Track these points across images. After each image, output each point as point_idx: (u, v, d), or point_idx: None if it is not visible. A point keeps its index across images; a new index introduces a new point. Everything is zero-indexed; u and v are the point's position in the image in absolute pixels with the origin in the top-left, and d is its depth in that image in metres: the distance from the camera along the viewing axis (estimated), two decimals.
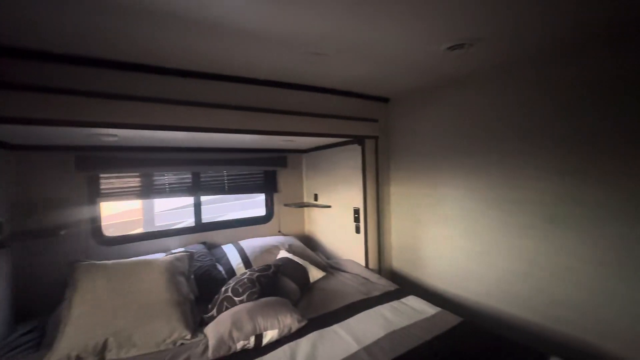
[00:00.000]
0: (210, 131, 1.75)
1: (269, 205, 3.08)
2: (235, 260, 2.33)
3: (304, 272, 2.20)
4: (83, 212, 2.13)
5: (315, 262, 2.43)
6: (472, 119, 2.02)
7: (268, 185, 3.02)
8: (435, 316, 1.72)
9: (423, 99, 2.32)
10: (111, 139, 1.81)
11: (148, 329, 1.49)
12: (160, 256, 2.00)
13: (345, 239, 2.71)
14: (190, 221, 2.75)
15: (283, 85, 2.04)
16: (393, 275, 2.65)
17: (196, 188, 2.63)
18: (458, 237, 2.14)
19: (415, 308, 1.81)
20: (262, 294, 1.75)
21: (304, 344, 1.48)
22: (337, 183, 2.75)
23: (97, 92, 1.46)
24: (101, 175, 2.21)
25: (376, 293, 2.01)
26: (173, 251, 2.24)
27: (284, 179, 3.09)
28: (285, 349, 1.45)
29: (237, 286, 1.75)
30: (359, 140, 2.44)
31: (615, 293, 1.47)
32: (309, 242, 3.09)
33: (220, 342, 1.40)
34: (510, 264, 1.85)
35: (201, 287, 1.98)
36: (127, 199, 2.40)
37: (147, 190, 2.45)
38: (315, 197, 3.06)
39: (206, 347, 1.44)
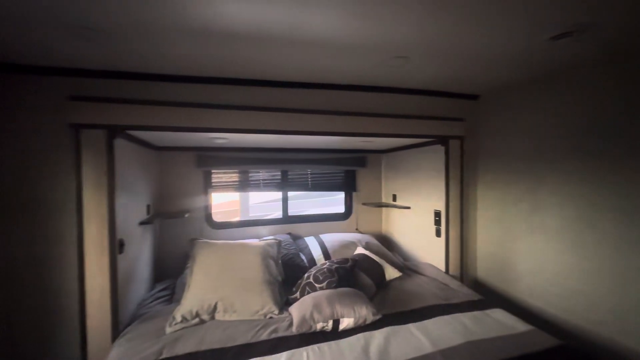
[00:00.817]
0: (299, 133, 1.98)
1: (348, 203, 3.22)
2: (316, 251, 2.53)
3: (380, 270, 2.25)
4: (199, 201, 2.64)
5: (391, 262, 2.45)
6: (577, 117, 1.75)
7: (347, 184, 3.16)
8: (526, 334, 1.57)
9: (520, 95, 2.10)
10: (222, 141, 2.21)
11: (245, 299, 1.78)
12: (254, 241, 2.34)
13: (424, 241, 2.65)
14: (277, 214, 3.10)
15: (364, 88, 2.13)
16: (477, 285, 2.47)
17: (284, 184, 2.95)
18: (561, 250, 1.87)
19: (501, 322, 1.68)
20: (339, 284, 1.89)
21: (377, 336, 1.55)
22: (417, 184, 2.70)
23: (211, 104, 1.83)
24: (213, 171, 2.70)
25: (456, 300, 1.93)
26: (264, 238, 2.58)
27: (363, 178, 3.19)
28: (359, 337, 1.54)
29: (318, 274, 1.93)
30: (442, 140, 2.35)
31: None
32: (386, 242, 3.11)
33: (303, 320, 1.59)
34: (630, 287, 1.54)
35: (286, 272, 2.23)
36: (230, 191, 2.88)
37: (245, 184, 2.88)
38: (394, 198, 3.06)
39: (291, 323, 1.65)
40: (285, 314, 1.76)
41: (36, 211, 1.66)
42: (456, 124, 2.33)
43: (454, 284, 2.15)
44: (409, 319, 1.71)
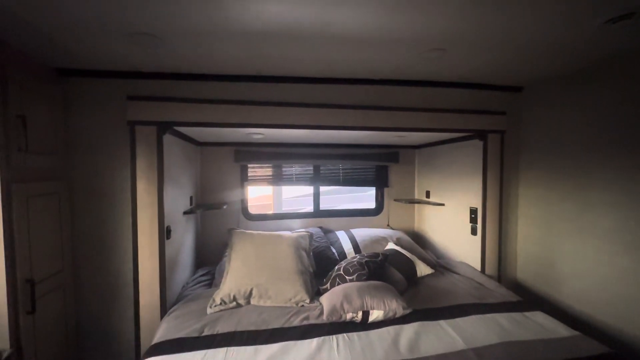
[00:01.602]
0: (334, 128, 2.02)
1: (379, 199, 3.20)
2: (346, 245, 2.57)
3: (412, 266, 2.23)
4: (236, 193, 2.79)
5: (423, 258, 2.41)
6: (630, 109, 1.60)
7: (379, 180, 3.15)
8: (570, 339, 1.48)
9: (568, 86, 1.95)
10: (258, 136, 2.32)
11: (279, 287, 1.87)
12: (287, 233, 2.43)
13: (458, 239, 2.57)
14: (309, 208, 3.17)
15: (399, 82, 2.11)
16: (516, 287, 2.35)
17: (316, 179, 3.01)
18: (614, 252, 1.72)
19: (542, 325, 1.60)
20: (369, 278, 1.91)
21: (407, 330, 1.55)
22: (452, 180, 2.62)
23: (249, 100, 1.93)
24: (249, 165, 2.83)
25: (492, 300, 1.86)
26: (296, 230, 2.66)
27: (395, 174, 3.15)
28: (389, 329, 1.56)
29: (348, 266, 1.96)
30: (480, 135, 2.25)
31: None
32: (418, 239, 3.05)
33: (333, 309, 1.64)
34: None
35: (317, 264, 2.30)
36: (265, 184, 3.00)
37: (279, 178, 2.98)
38: (427, 194, 2.99)
39: (321, 312, 1.70)
40: (316, 303, 1.82)
41: (102, 198, 1.89)
42: (497, 118, 2.22)
43: (491, 284, 2.07)
44: (440, 315, 1.69)
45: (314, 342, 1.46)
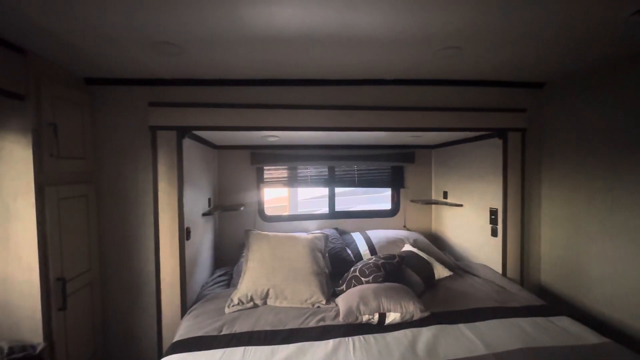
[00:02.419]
0: (349, 130, 2.02)
1: (395, 200, 3.17)
2: (362, 247, 2.56)
3: (429, 268, 2.19)
4: (253, 195, 2.84)
5: (441, 260, 2.36)
6: None
7: (395, 181, 3.11)
8: (599, 346, 1.40)
9: (593, 81, 1.86)
10: (273, 139, 2.35)
11: (295, 288, 1.88)
12: (302, 234, 2.45)
13: (478, 241, 2.50)
14: (324, 210, 3.18)
15: (414, 82, 2.09)
16: (540, 290, 2.26)
17: (331, 180, 3.02)
18: None
19: (568, 330, 1.53)
20: (385, 279, 1.89)
21: (425, 333, 1.53)
22: (470, 181, 2.56)
23: (265, 104, 1.96)
24: (265, 167, 2.88)
25: (514, 304, 1.79)
26: (312, 232, 2.67)
27: (411, 174, 3.11)
28: (406, 332, 1.54)
29: (364, 268, 1.95)
30: (499, 133, 2.19)
31: None
32: (436, 241, 2.99)
33: (349, 311, 1.63)
34: None
35: (333, 265, 2.29)
36: (280, 186, 3.03)
37: (294, 180, 3.01)
38: (445, 195, 2.93)
39: (337, 313, 1.70)
40: (332, 305, 1.82)
41: (125, 199, 1.99)
42: (517, 116, 2.15)
43: (512, 287, 2.00)
44: (460, 319, 1.65)
45: (330, 344, 1.46)
